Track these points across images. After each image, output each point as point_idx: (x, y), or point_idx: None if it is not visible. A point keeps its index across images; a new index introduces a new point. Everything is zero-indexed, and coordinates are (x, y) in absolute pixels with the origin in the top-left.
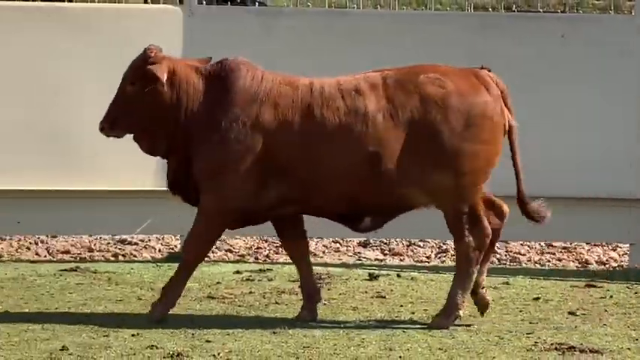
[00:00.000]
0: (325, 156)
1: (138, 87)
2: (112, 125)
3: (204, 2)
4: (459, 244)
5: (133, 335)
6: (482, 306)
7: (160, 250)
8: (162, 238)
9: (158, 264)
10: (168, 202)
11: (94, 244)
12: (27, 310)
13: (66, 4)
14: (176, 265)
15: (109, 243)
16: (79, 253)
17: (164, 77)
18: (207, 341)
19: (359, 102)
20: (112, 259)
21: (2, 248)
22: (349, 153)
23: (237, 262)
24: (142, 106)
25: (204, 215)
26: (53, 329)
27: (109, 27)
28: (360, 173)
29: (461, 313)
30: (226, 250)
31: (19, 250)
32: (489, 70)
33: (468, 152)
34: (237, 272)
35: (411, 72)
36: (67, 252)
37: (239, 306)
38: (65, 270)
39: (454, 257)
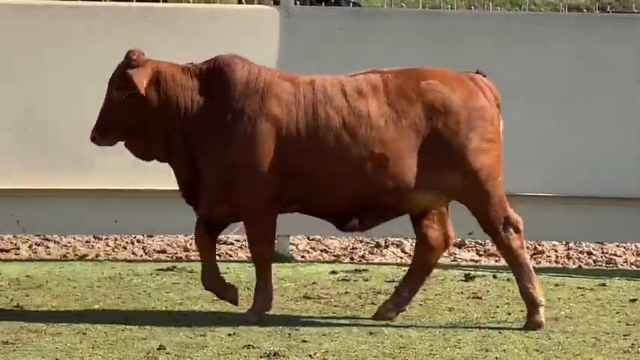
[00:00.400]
0: (327, 155)
1: (124, 92)
2: (102, 134)
3: (298, 3)
4: (497, 239)
5: (229, 335)
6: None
7: None
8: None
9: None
10: None
11: (190, 244)
12: (124, 310)
13: (161, 4)
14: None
15: None
16: (175, 253)
17: (143, 82)
18: (304, 341)
19: (362, 103)
20: None
21: (99, 247)
22: (351, 153)
23: (332, 262)
24: (130, 111)
25: (246, 213)
26: (150, 328)
27: (204, 27)
28: (363, 175)
29: (542, 299)
30: (321, 251)
31: (115, 249)
32: (484, 75)
33: (475, 150)
34: (333, 272)
35: (411, 77)
36: (164, 251)
37: (335, 306)
38: (162, 269)
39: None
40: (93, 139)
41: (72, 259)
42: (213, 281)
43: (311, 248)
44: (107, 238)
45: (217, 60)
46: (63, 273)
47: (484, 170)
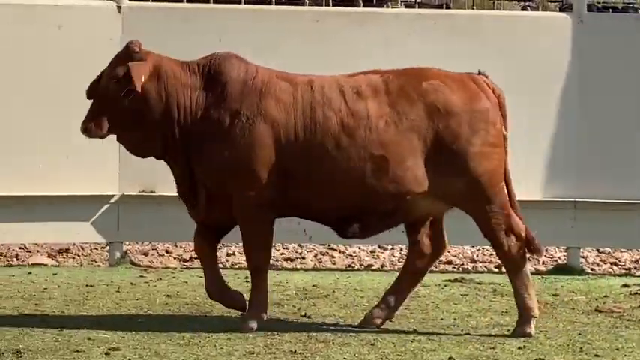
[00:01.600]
0: (326, 158)
1: (122, 84)
2: (95, 125)
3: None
4: (497, 247)
5: (519, 348)
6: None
7: (543, 262)
8: (546, 250)
9: (543, 276)
10: (560, 213)
11: (477, 255)
12: (412, 320)
13: (454, 11)
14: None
15: (491, 254)
16: (461, 264)
17: (141, 77)
18: (596, 355)
19: (361, 105)
20: (496, 270)
21: (384, 257)
22: (350, 155)
23: (624, 275)
24: (127, 104)
25: (242, 219)
26: (439, 340)
27: (492, 34)
28: (362, 178)
29: (536, 311)
30: (612, 263)
31: (401, 259)
32: (486, 76)
33: (477, 154)
34: (625, 286)
35: (413, 78)
36: (450, 262)
37: (628, 320)
38: (450, 280)
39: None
40: (85, 130)
41: (358, 269)
42: (219, 292)
43: (601, 261)
44: (392, 248)
45: (214, 58)
46: (350, 283)
47: (486, 176)
